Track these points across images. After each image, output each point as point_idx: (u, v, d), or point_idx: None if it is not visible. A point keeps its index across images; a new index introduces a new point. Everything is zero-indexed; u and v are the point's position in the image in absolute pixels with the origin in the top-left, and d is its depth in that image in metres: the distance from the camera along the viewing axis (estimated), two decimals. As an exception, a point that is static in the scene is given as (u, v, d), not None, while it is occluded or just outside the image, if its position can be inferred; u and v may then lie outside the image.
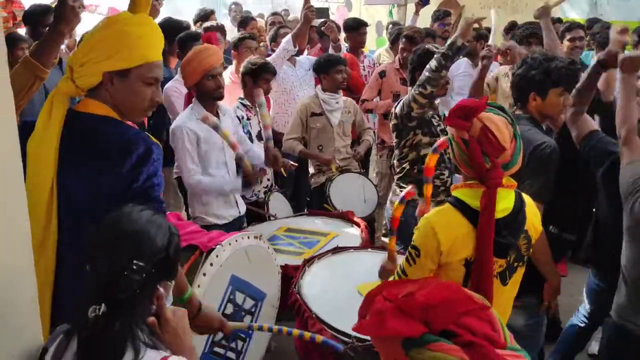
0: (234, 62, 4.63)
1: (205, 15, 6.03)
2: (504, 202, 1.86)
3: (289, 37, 4.65)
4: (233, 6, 7.84)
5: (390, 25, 7.14)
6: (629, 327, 2.33)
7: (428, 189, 2.54)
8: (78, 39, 4.77)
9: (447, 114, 2.62)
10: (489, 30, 5.92)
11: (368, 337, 1.90)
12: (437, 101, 3.52)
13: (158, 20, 4.68)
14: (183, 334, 1.41)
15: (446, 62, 3.02)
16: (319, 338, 2.10)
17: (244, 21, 6.07)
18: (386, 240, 3.03)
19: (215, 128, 2.99)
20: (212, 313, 1.95)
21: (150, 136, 1.76)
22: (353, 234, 3.39)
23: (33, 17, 4.47)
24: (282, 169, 3.75)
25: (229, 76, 4.47)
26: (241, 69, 3.91)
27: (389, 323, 1.14)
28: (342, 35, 6.25)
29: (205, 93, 3.16)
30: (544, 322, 2.73)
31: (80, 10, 2.37)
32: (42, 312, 1.59)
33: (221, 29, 5.30)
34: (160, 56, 1.80)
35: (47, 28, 2.40)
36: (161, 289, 1.38)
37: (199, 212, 3.24)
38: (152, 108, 1.83)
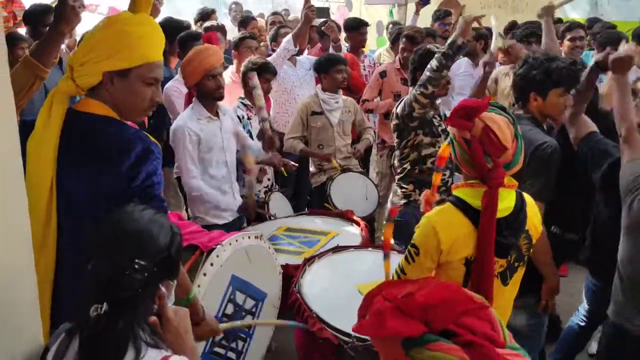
0: (235, 61, 4.63)
1: (206, 15, 6.02)
2: (505, 202, 1.86)
3: (289, 36, 4.65)
4: (233, 6, 7.84)
5: (391, 25, 7.14)
6: (626, 326, 2.33)
7: (437, 178, 2.49)
8: (78, 38, 4.77)
9: (448, 113, 2.62)
10: (488, 29, 5.92)
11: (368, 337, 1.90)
12: (438, 101, 3.52)
13: (158, 19, 4.68)
14: (185, 334, 1.41)
15: (447, 61, 3.02)
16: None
17: (245, 21, 6.07)
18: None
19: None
20: (212, 318, 1.97)
21: (149, 135, 1.76)
22: (353, 232, 3.38)
23: (33, 16, 4.47)
24: (282, 169, 3.76)
25: (230, 76, 4.47)
26: (242, 69, 3.91)
27: (388, 323, 1.14)
28: (343, 35, 6.25)
29: (206, 93, 3.16)
30: (545, 323, 2.73)
31: (81, 10, 2.36)
32: (42, 312, 1.59)
33: (221, 29, 5.30)
34: (160, 56, 1.80)
35: (48, 28, 2.40)
36: (163, 289, 1.38)
37: (199, 212, 3.24)
38: (152, 108, 1.83)
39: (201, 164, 3.17)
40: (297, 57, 5.00)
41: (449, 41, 3.06)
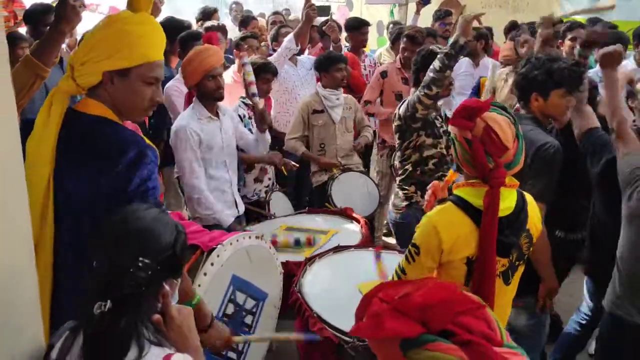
0: (237, 61, 4.63)
1: (208, 14, 6.02)
2: (507, 202, 1.86)
3: (290, 36, 4.65)
4: (234, 5, 7.83)
5: (391, 25, 7.14)
6: (623, 316, 2.34)
7: (452, 176, 2.47)
8: (79, 38, 4.77)
9: (449, 114, 2.61)
10: (489, 29, 5.92)
11: (368, 337, 1.90)
12: (439, 102, 3.52)
13: (159, 19, 4.68)
14: (188, 332, 1.42)
15: (450, 61, 3.01)
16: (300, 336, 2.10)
17: (245, 20, 6.07)
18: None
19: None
20: (223, 326, 1.94)
21: (145, 138, 1.75)
22: (353, 230, 3.39)
23: (34, 16, 4.47)
24: (282, 168, 3.76)
25: (232, 75, 4.47)
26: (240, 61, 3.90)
27: (386, 324, 1.14)
28: (343, 34, 6.25)
29: (206, 93, 3.16)
30: (546, 323, 2.73)
31: (81, 9, 2.37)
32: (42, 311, 1.58)
33: (222, 29, 5.30)
34: (161, 55, 1.79)
35: (48, 27, 2.40)
36: (167, 287, 1.38)
37: (198, 213, 3.24)
38: (153, 108, 1.83)
39: (202, 164, 3.17)
40: (298, 57, 5.00)
41: (451, 41, 3.06)
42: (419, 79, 3.35)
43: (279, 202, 3.96)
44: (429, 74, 3.07)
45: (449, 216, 1.87)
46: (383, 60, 5.97)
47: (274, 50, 5.04)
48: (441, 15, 6.34)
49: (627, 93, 3.25)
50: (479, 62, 5.61)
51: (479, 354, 1.09)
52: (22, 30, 4.75)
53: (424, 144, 3.34)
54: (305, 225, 3.48)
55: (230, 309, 2.33)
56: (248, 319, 2.43)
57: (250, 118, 3.84)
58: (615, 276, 2.40)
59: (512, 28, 5.70)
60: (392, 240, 5.02)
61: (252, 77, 3.53)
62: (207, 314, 1.87)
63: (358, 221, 3.46)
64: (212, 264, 2.19)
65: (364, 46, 5.90)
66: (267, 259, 2.54)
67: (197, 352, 1.42)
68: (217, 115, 3.25)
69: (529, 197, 2.00)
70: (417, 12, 6.58)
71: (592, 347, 3.41)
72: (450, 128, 1.92)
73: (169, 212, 1.62)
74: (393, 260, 2.60)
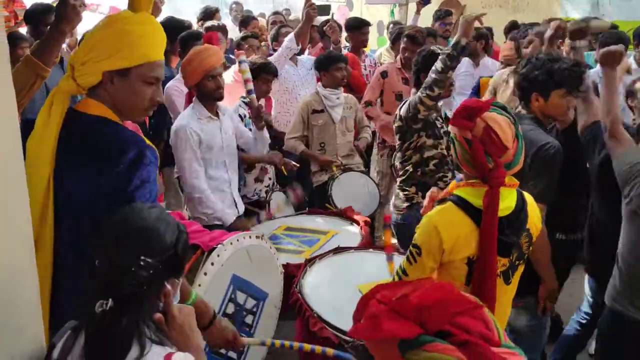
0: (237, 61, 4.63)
1: (210, 14, 6.01)
2: (507, 201, 1.86)
3: (291, 35, 4.65)
4: (234, 5, 7.83)
5: (391, 25, 7.13)
6: (624, 312, 2.34)
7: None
8: (79, 37, 4.77)
9: (449, 114, 2.61)
10: (489, 29, 5.92)
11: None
12: (440, 103, 3.51)
13: (159, 19, 4.68)
14: (190, 332, 1.42)
15: (451, 62, 3.00)
16: (330, 351, 2.06)
17: (245, 20, 6.07)
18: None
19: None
20: (226, 324, 1.92)
21: (145, 139, 1.75)
22: (353, 231, 3.39)
23: (34, 16, 4.47)
24: (282, 168, 3.76)
25: (232, 75, 4.46)
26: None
27: (384, 325, 1.14)
28: (344, 34, 6.25)
29: (206, 93, 3.16)
30: (547, 324, 2.73)
31: (82, 9, 2.37)
32: (41, 311, 1.58)
33: (223, 29, 5.30)
34: (162, 55, 1.79)
35: (49, 27, 2.40)
36: (168, 286, 1.39)
37: (198, 213, 3.24)
38: (153, 107, 1.82)
39: (202, 164, 3.17)
40: (299, 57, 5.00)
41: (452, 42, 3.05)
42: (419, 79, 3.35)
43: (279, 202, 3.96)
44: (431, 75, 3.06)
45: (449, 216, 1.87)
46: (383, 60, 5.97)
47: (274, 50, 5.04)
48: (441, 15, 6.35)
49: (627, 92, 3.25)
50: (479, 62, 5.61)
51: (476, 354, 1.09)
52: (23, 30, 4.76)
53: (425, 144, 3.34)
54: (306, 225, 3.48)
55: (231, 309, 2.33)
56: (248, 319, 2.43)
57: (250, 117, 3.84)
58: (616, 273, 2.41)
59: (512, 28, 5.70)
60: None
61: (248, 75, 3.54)
62: (205, 312, 1.86)
63: (358, 223, 3.45)
64: (212, 264, 2.20)
65: (365, 46, 5.90)
66: (267, 259, 2.54)
67: (198, 351, 1.43)
68: (217, 115, 3.25)
69: (528, 197, 2.00)
70: (418, 12, 6.58)
71: (592, 347, 3.41)
72: (450, 128, 1.92)
73: (169, 212, 1.62)
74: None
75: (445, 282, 1.33)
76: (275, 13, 6.98)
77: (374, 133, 4.87)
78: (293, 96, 4.79)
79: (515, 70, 3.12)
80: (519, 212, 1.90)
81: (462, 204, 1.86)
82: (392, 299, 1.18)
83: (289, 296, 2.61)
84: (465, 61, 5.39)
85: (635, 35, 5.04)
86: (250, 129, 3.73)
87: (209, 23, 5.35)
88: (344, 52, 5.32)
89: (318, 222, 3.59)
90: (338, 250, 2.98)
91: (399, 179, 3.51)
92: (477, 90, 5.09)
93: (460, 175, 1.99)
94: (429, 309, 1.13)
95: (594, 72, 4.01)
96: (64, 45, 4.74)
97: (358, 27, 5.63)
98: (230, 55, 5.01)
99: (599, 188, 2.70)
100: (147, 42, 1.74)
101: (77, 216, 1.69)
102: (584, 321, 3.12)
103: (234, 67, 4.60)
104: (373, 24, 6.73)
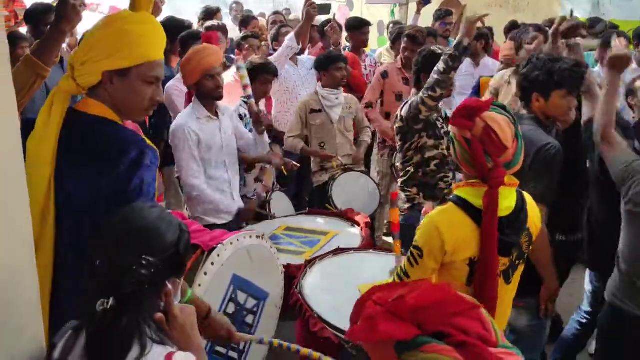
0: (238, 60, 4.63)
1: (211, 13, 6.01)
2: (507, 201, 1.86)
3: (292, 34, 4.65)
4: (234, 5, 7.83)
5: (391, 25, 7.13)
6: (624, 307, 2.34)
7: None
8: (79, 37, 4.77)
9: (449, 114, 2.61)
10: (489, 29, 5.91)
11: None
12: (440, 103, 3.51)
13: (160, 19, 4.68)
14: (191, 331, 1.42)
15: (454, 63, 3.00)
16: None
17: (245, 20, 6.06)
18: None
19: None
20: (221, 320, 1.93)
21: (146, 139, 1.74)
22: (353, 232, 3.38)
23: (35, 15, 4.47)
24: (282, 168, 3.76)
25: (233, 75, 4.46)
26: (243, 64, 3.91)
27: (380, 327, 1.13)
28: (344, 34, 6.24)
29: (205, 93, 3.16)
30: (547, 324, 2.73)
31: (82, 8, 2.36)
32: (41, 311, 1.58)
33: (223, 29, 5.30)
34: (162, 55, 1.79)
35: (49, 27, 2.40)
36: (170, 286, 1.38)
37: (198, 213, 3.24)
38: (153, 107, 1.82)
39: (201, 164, 3.16)
40: (299, 57, 5.00)
41: (455, 42, 3.05)
42: (419, 80, 3.34)
43: (280, 202, 3.96)
44: (433, 75, 3.06)
45: (450, 217, 1.87)
46: (383, 60, 5.96)
47: (275, 50, 5.04)
48: (442, 15, 6.34)
49: (627, 91, 3.25)
50: (479, 62, 5.61)
51: (474, 355, 1.08)
52: (23, 30, 4.76)
53: (426, 145, 3.33)
54: (306, 225, 3.48)
55: (231, 309, 2.33)
56: (249, 319, 2.43)
57: (251, 117, 3.84)
58: (616, 272, 2.41)
59: (512, 28, 5.70)
60: (392, 240, 5.01)
61: (246, 80, 3.54)
62: (199, 308, 1.85)
63: (358, 224, 3.44)
64: (212, 264, 2.19)
65: (365, 46, 5.90)
66: (268, 259, 2.54)
67: (199, 351, 1.42)
68: (216, 114, 3.24)
69: (527, 196, 2.00)
70: (418, 11, 6.58)
71: (592, 347, 3.41)
72: (450, 127, 1.92)
73: (170, 211, 1.62)
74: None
75: (442, 283, 1.33)
76: (276, 13, 6.98)
77: (374, 133, 4.86)
78: (294, 96, 4.79)
79: (517, 71, 3.12)
80: (519, 212, 1.90)
81: (463, 204, 1.86)
82: (388, 300, 1.18)
83: (290, 297, 2.61)
84: (466, 61, 5.38)
85: (635, 36, 5.03)
86: (251, 130, 3.73)
87: (209, 23, 5.34)
88: (344, 52, 5.32)
89: (318, 222, 3.58)
90: (338, 251, 2.98)
91: (400, 180, 3.51)
92: (477, 90, 5.09)
93: (460, 176, 1.99)
94: (425, 310, 1.13)
95: (595, 72, 4.01)
96: (64, 45, 4.74)
97: (358, 27, 5.63)
98: (231, 55, 5.01)
99: (599, 187, 2.70)
100: (147, 41, 1.74)
101: (77, 217, 1.69)
102: (584, 321, 3.12)
103: (234, 67, 4.60)
104: (373, 23, 6.73)
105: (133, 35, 1.71)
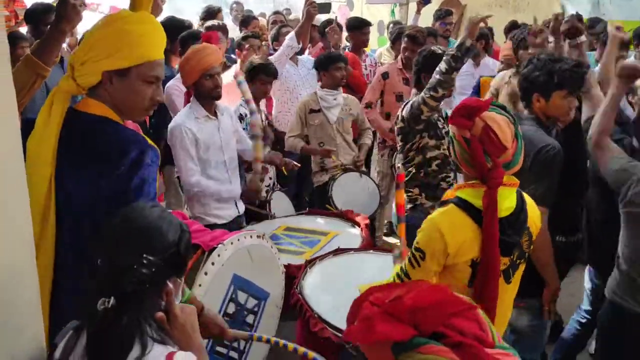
0: (239, 60, 4.63)
1: (212, 13, 6.01)
2: (507, 201, 1.86)
3: (292, 33, 4.65)
4: (234, 5, 7.83)
5: (392, 25, 7.13)
6: (624, 305, 2.34)
7: None
8: (79, 37, 4.77)
9: (450, 113, 2.60)
10: (489, 29, 5.91)
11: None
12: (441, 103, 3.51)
13: (160, 18, 4.68)
14: (192, 331, 1.42)
15: (456, 63, 3.00)
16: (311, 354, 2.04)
17: (246, 20, 6.06)
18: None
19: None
20: (213, 317, 1.92)
21: (147, 138, 1.74)
22: (353, 233, 3.38)
23: (35, 15, 4.47)
24: (282, 168, 3.75)
25: (233, 75, 4.46)
26: (244, 68, 3.91)
27: (377, 328, 1.13)
28: (344, 34, 6.24)
29: (203, 92, 3.15)
30: (548, 324, 2.72)
31: (82, 8, 2.37)
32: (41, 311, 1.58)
33: (223, 28, 5.29)
34: (162, 54, 1.79)
35: (49, 26, 2.40)
36: (170, 285, 1.38)
37: (198, 212, 3.24)
38: (153, 107, 1.82)
39: (200, 164, 3.16)
40: (299, 57, 5.00)
41: (457, 43, 3.05)
42: (420, 80, 3.34)
43: (280, 202, 3.96)
44: (435, 75, 3.05)
45: (451, 218, 1.86)
46: (383, 60, 5.96)
47: (275, 50, 5.04)
48: (442, 15, 6.34)
49: (627, 89, 3.24)
50: (479, 62, 5.61)
51: (470, 355, 1.08)
52: (23, 29, 4.76)
53: (427, 145, 3.33)
54: (306, 226, 3.48)
55: (232, 308, 2.33)
56: (250, 319, 2.43)
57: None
58: (616, 271, 2.41)
59: (512, 28, 5.70)
60: (392, 240, 5.02)
61: (249, 95, 3.54)
62: (197, 305, 1.85)
63: (359, 224, 3.44)
64: (213, 263, 2.19)
65: (365, 46, 5.89)
66: (268, 259, 2.54)
67: (200, 350, 1.42)
68: (215, 114, 3.23)
69: (526, 196, 2.00)
70: (418, 11, 6.57)
71: (592, 346, 3.41)
72: (450, 127, 1.92)
73: (170, 211, 1.62)
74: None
75: (439, 284, 1.33)
76: (276, 13, 6.98)
77: (374, 133, 4.86)
78: (294, 96, 4.79)
79: (517, 72, 3.12)
80: (519, 212, 1.90)
81: (464, 205, 1.86)
82: (385, 301, 1.18)
83: (290, 297, 2.61)
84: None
85: (635, 36, 5.03)
86: (250, 134, 3.74)
87: (209, 22, 5.34)
88: (344, 52, 5.32)
89: (318, 222, 3.58)
90: (338, 251, 2.98)
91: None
92: (477, 90, 5.09)
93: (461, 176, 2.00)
94: (423, 310, 1.13)
95: (596, 72, 4.00)
96: (64, 45, 4.75)
97: (359, 27, 5.63)
98: (232, 55, 5.01)
99: (599, 187, 2.69)
100: (147, 41, 1.73)
101: (77, 217, 1.68)
102: (584, 320, 3.12)
103: (235, 67, 4.60)
104: (373, 23, 6.73)
105: (133, 35, 1.70)
